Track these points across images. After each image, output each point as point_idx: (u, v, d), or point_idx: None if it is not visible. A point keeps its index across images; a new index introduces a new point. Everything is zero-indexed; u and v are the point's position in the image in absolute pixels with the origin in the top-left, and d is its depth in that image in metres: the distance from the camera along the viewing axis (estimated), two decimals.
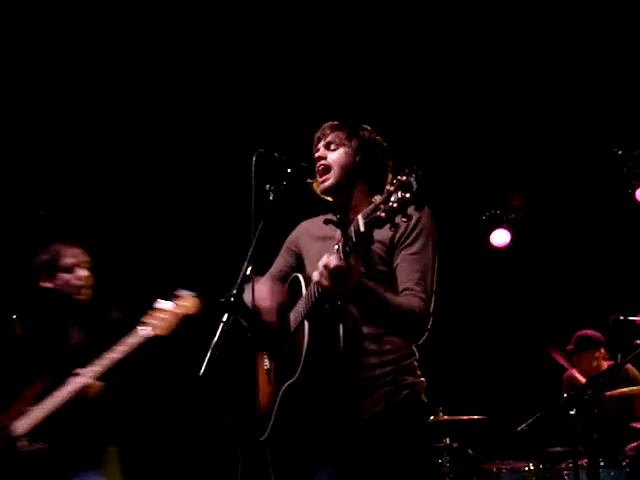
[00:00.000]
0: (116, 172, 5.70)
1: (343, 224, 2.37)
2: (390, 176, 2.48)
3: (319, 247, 2.44)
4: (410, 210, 1.95)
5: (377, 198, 1.87)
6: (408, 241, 2.28)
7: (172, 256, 6.21)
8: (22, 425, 3.24)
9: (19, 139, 5.11)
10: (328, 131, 2.47)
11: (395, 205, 1.79)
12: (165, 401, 5.90)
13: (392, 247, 2.30)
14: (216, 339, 1.91)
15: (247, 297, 2.18)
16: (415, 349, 2.37)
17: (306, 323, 2.15)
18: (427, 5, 4.37)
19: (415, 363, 2.35)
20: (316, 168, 2.44)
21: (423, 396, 2.32)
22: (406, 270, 2.26)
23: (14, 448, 3.23)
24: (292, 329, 2.29)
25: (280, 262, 2.58)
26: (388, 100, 5.03)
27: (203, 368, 1.87)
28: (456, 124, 5.38)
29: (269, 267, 2.62)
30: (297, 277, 2.32)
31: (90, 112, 5.04)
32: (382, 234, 2.21)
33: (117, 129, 5.25)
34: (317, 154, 2.45)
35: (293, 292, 2.32)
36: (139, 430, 5.79)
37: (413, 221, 2.25)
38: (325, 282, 2.00)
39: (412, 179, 1.79)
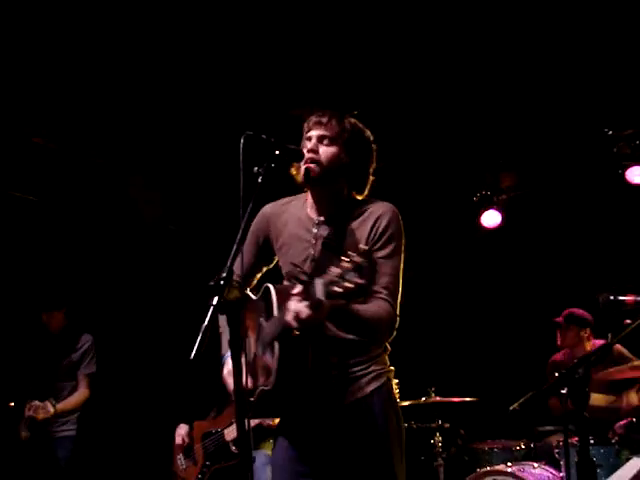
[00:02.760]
0: (102, 156, 5.68)
1: (320, 225, 2.45)
2: (371, 178, 2.54)
3: (291, 242, 2.50)
4: (379, 208, 2.36)
5: (334, 270, 1.96)
6: (378, 244, 2.38)
7: (162, 239, 6.21)
8: (232, 432, 3.88)
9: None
10: (330, 122, 2.45)
11: (350, 286, 1.93)
12: (156, 385, 5.93)
13: (368, 241, 2.38)
14: (206, 323, 1.90)
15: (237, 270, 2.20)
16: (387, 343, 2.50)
17: (277, 344, 2.24)
18: None
19: (386, 356, 2.50)
20: (304, 157, 2.41)
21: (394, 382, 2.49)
22: (375, 273, 2.35)
23: (229, 450, 3.91)
24: (265, 341, 2.35)
25: (247, 256, 2.55)
26: (376, 80, 5.00)
27: (194, 352, 1.86)
28: (445, 104, 5.36)
29: None
30: (269, 289, 2.36)
31: (78, 92, 4.99)
32: (357, 233, 2.37)
33: (106, 110, 5.21)
34: (310, 146, 2.43)
35: (266, 301, 2.37)
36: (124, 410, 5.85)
37: (384, 224, 2.39)
38: (295, 325, 2.13)
39: (366, 264, 1.94)
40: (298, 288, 2.13)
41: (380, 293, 2.35)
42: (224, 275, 1.96)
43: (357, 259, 1.93)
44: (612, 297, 3.62)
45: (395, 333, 2.40)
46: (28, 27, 4.36)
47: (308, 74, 4.88)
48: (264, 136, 2.23)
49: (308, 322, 2.11)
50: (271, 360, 2.27)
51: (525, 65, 4.98)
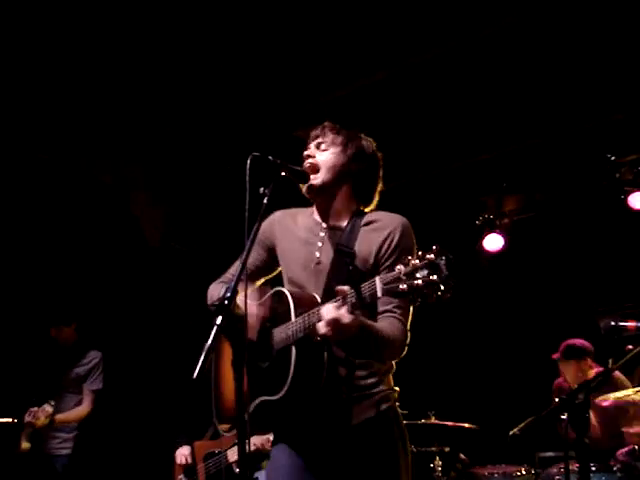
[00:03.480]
0: (109, 172, 5.71)
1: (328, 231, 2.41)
2: (380, 185, 2.52)
3: (298, 246, 2.45)
4: (392, 220, 2.24)
5: (401, 268, 1.87)
6: (390, 260, 2.32)
7: (166, 259, 6.22)
8: (235, 452, 3.88)
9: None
10: (325, 131, 2.48)
11: (420, 283, 1.81)
12: (159, 403, 5.90)
13: (374, 264, 2.34)
14: (210, 342, 1.90)
15: (240, 301, 2.19)
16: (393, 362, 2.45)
17: (293, 349, 2.20)
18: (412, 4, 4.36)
19: (391, 376, 2.44)
20: (303, 165, 2.44)
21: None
22: None
23: (232, 472, 3.91)
24: (275, 347, 2.30)
25: (254, 257, 2.52)
26: (380, 102, 5.04)
27: (197, 371, 1.86)
28: (448, 128, 5.40)
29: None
30: (283, 293, 2.31)
31: (83, 109, 5.03)
32: (365, 250, 2.31)
33: (112, 129, 5.25)
34: (306, 152, 2.47)
35: (277, 305, 2.32)
36: (133, 432, 5.82)
37: (397, 237, 2.33)
38: (331, 335, 2.06)
39: (442, 263, 1.81)
40: (344, 287, 2.05)
41: (393, 313, 2.28)
42: (228, 295, 1.97)
43: (432, 256, 1.82)
44: (614, 323, 3.62)
45: (404, 354, 2.35)
46: (34, 43, 4.41)
47: (312, 96, 4.92)
48: (270, 157, 2.25)
49: (345, 329, 2.04)
50: (281, 368, 2.20)
51: (529, 89, 5.02)
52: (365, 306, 2.12)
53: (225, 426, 2.45)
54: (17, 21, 4.22)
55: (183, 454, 4.32)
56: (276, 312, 2.33)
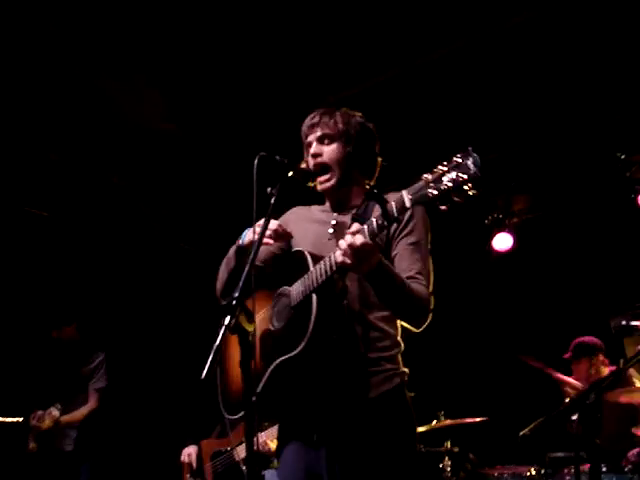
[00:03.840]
0: (117, 174, 5.72)
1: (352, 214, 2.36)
2: (379, 159, 2.52)
3: (311, 227, 2.46)
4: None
5: (427, 176, 1.84)
6: (406, 231, 2.32)
7: (174, 259, 6.23)
8: (242, 451, 3.86)
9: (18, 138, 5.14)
10: (322, 120, 2.45)
11: (450, 185, 1.77)
12: (167, 403, 5.91)
13: (389, 239, 2.34)
14: (218, 342, 1.90)
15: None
16: (401, 341, 2.42)
17: (314, 297, 2.15)
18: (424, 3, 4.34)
19: (400, 356, 2.41)
20: (311, 163, 2.43)
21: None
22: (407, 259, 2.30)
23: (240, 470, 3.90)
24: (293, 302, 2.26)
25: (266, 251, 2.49)
26: (386, 102, 5.02)
27: (205, 371, 1.86)
28: (456, 127, 5.38)
29: None
30: (302, 252, 2.29)
31: (93, 109, 5.04)
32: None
33: (118, 130, 5.26)
34: (312, 150, 2.44)
35: (296, 266, 2.28)
36: (135, 432, 5.84)
37: (408, 214, 2.29)
38: (349, 261, 2.01)
39: (470, 162, 1.77)
40: (355, 225, 2.03)
41: (416, 278, 2.26)
42: (236, 295, 1.97)
43: (459, 159, 1.77)
44: (624, 322, 3.60)
45: (429, 319, 2.31)
46: (44, 44, 4.42)
47: (321, 97, 4.91)
48: (278, 157, 2.25)
49: (363, 253, 1.98)
50: (300, 321, 2.15)
51: (538, 89, 4.99)
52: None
53: (234, 399, 2.42)
54: (25, 21, 4.24)
55: (189, 453, 4.32)
56: (294, 272, 2.28)
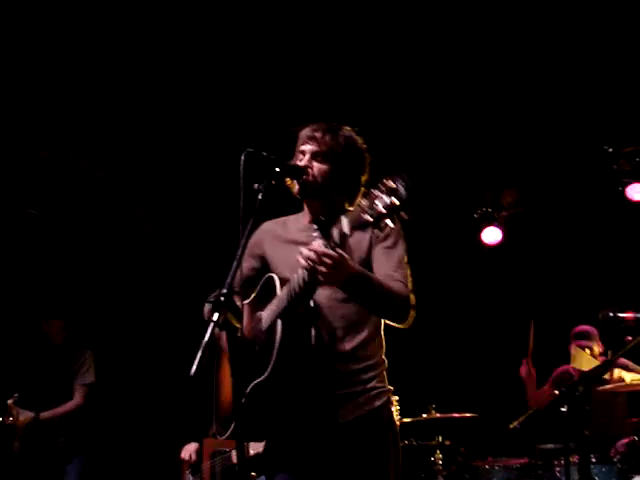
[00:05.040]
0: (105, 170, 5.70)
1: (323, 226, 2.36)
2: (362, 189, 2.49)
3: (289, 250, 2.43)
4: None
5: (363, 202, 1.89)
6: (381, 236, 2.35)
7: (162, 255, 6.21)
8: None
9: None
10: (323, 137, 2.43)
11: (383, 210, 1.83)
12: (157, 401, 5.91)
13: (370, 247, 2.37)
14: (207, 339, 1.90)
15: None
16: (385, 359, 2.44)
17: (279, 322, 2.18)
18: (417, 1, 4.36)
19: (385, 373, 2.42)
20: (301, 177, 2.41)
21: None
22: (383, 261, 2.33)
23: (233, 472, 3.88)
24: (263, 327, 2.31)
25: (245, 266, 2.49)
26: (377, 95, 5.03)
27: (194, 368, 1.86)
28: (446, 120, 5.39)
29: None
30: (272, 277, 2.33)
31: (81, 107, 5.03)
32: (361, 238, 2.31)
33: (109, 125, 5.24)
34: (303, 162, 2.42)
35: (266, 292, 2.33)
36: (131, 429, 5.83)
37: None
38: (305, 263, 2.04)
39: (400, 185, 1.83)
40: (316, 233, 2.08)
41: (393, 275, 2.29)
42: (224, 291, 1.97)
43: (391, 183, 1.83)
44: (612, 314, 3.62)
45: (412, 317, 2.32)
46: (33, 41, 4.40)
47: (309, 91, 4.91)
48: (265, 153, 2.24)
49: (322, 261, 2.00)
50: (268, 346, 2.18)
51: (526, 82, 5.01)
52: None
53: (224, 420, 2.44)
54: (16, 20, 4.21)
55: (188, 450, 4.32)
56: (265, 298, 2.33)
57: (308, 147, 2.44)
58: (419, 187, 1.92)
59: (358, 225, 1.90)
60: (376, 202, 1.84)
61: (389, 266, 2.31)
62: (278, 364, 2.15)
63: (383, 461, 2.29)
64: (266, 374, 2.17)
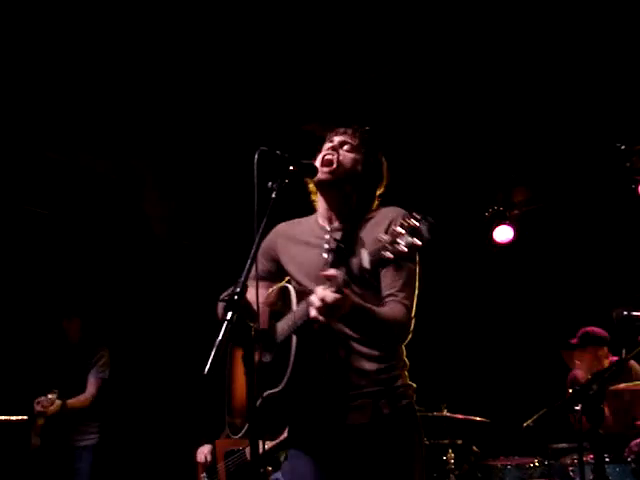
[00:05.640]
0: (118, 171, 5.72)
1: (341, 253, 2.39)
2: (376, 199, 2.53)
3: (302, 251, 2.46)
4: (392, 211, 2.31)
5: (384, 237, 1.91)
6: None
7: (175, 254, 6.23)
8: None
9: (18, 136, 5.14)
10: (353, 133, 2.49)
11: (404, 249, 1.85)
12: (170, 399, 5.92)
13: None
14: (220, 337, 1.90)
15: (250, 296, 2.19)
16: (406, 359, 2.45)
17: (294, 337, 2.20)
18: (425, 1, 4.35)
19: (407, 372, 2.44)
20: (321, 157, 2.44)
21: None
22: (390, 277, 2.33)
23: (248, 470, 3.83)
24: (279, 339, 2.31)
25: (259, 268, 2.51)
26: (389, 95, 5.02)
27: (208, 366, 1.86)
28: (459, 119, 5.37)
29: None
30: (287, 289, 2.34)
31: (93, 107, 5.04)
32: (370, 237, 2.29)
33: (120, 125, 5.26)
34: (329, 144, 2.46)
35: (282, 301, 2.34)
36: (144, 428, 5.85)
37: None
38: (321, 318, 2.06)
39: (423, 227, 1.84)
40: (331, 270, 2.07)
41: (395, 296, 2.30)
42: (238, 290, 1.97)
43: (414, 222, 1.86)
44: (626, 313, 3.60)
45: (409, 337, 2.35)
46: (42, 41, 4.42)
47: (320, 90, 4.91)
48: (278, 152, 2.24)
49: (334, 308, 2.04)
50: (283, 359, 2.21)
51: (538, 81, 4.99)
52: (366, 286, 2.19)
53: (238, 420, 2.45)
54: (25, 21, 4.23)
55: (203, 452, 4.33)
56: (281, 308, 2.34)
57: (338, 138, 2.49)
58: (441, 227, 1.93)
59: (378, 261, 1.91)
60: (398, 240, 1.85)
61: (395, 285, 2.32)
62: (292, 380, 2.18)
63: (408, 460, 2.30)
64: (280, 387, 2.20)
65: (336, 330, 2.29)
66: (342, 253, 2.31)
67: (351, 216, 2.46)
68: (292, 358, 2.17)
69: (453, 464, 4.89)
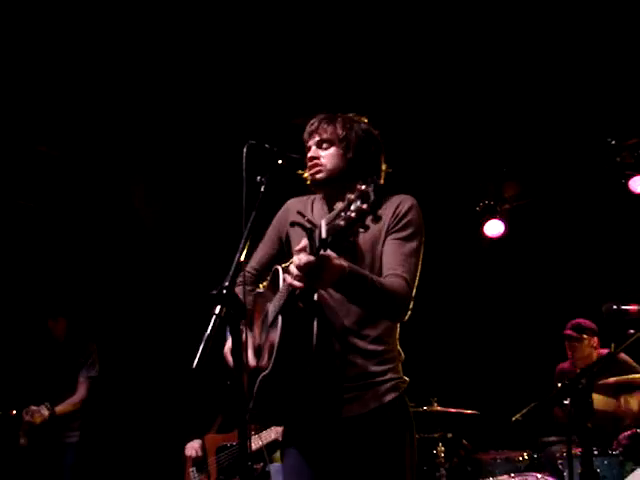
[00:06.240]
0: (107, 165, 5.69)
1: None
2: (384, 166, 2.48)
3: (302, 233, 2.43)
4: (399, 197, 2.22)
5: (339, 205, 1.86)
6: (397, 227, 2.33)
7: (164, 249, 6.21)
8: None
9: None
10: (321, 126, 2.43)
11: (354, 215, 1.78)
12: (159, 395, 5.91)
13: (386, 232, 2.34)
14: (209, 331, 1.89)
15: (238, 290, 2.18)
16: (401, 350, 2.42)
17: (280, 318, 2.17)
18: None
19: (401, 365, 2.41)
20: (308, 166, 2.42)
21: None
22: (391, 254, 2.30)
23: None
24: (269, 322, 2.30)
25: (268, 246, 2.54)
26: (379, 88, 5.01)
27: (196, 361, 1.85)
28: (449, 113, 5.37)
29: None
30: (277, 270, 2.31)
31: (81, 101, 5.02)
32: (375, 229, 2.25)
33: (109, 118, 5.23)
34: (310, 154, 2.42)
35: (275, 284, 2.31)
36: (132, 424, 5.84)
37: (404, 210, 2.33)
38: (298, 283, 2.01)
39: (370, 190, 1.78)
40: (303, 241, 2.02)
41: (396, 270, 2.26)
42: (227, 284, 1.96)
43: (363, 187, 1.79)
44: (615, 307, 3.61)
45: (408, 314, 2.30)
46: (32, 37, 4.39)
47: (310, 83, 4.90)
48: (267, 145, 2.24)
49: (311, 271, 1.98)
50: (272, 341, 2.19)
51: (529, 75, 4.99)
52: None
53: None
54: (24, 21, 4.20)
55: (193, 447, 4.32)
56: (274, 289, 2.31)
57: (311, 141, 2.45)
58: (385, 189, 1.87)
59: (334, 231, 1.85)
60: (351, 206, 1.80)
61: (395, 260, 2.28)
62: (279, 360, 2.15)
63: (399, 452, 2.29)
64: (268, 370, 2.18)
65: (331, 322, 2.27)
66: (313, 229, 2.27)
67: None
68: (277, 339, 2.15)
69: (443, 457, 4.90)
